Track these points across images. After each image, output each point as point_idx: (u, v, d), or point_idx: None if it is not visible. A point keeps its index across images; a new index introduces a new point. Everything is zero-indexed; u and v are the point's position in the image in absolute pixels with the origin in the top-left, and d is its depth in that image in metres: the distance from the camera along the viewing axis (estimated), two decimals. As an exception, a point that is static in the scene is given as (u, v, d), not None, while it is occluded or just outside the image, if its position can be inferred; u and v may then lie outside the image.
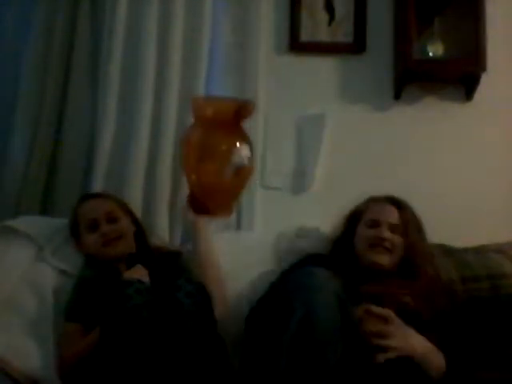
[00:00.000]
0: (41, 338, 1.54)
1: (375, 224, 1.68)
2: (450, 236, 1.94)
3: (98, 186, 1.98)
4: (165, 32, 2.05)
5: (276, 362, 1.26)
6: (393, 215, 1.69)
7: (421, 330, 1.46)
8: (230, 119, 1.75)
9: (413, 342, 1.40)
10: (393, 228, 1.67)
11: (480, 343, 1.62)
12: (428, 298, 1.57)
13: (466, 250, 1.92)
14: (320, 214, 2.06)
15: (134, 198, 1.96)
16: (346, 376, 1.31)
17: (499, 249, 1.91)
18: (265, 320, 1.38)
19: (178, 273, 1.65)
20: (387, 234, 1.65)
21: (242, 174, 1.77)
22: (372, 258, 1.65)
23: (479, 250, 1.91)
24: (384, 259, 1.64)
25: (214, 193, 1.78)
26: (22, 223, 1.77)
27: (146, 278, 1.53)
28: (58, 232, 1.77)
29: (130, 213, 1.79)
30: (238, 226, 2.08)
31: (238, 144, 1.75)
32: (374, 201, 1.77)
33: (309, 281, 1.32)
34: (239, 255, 1.87)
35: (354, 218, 1.77)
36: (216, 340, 1.47)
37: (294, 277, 1.35)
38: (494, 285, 1.77)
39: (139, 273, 1.54)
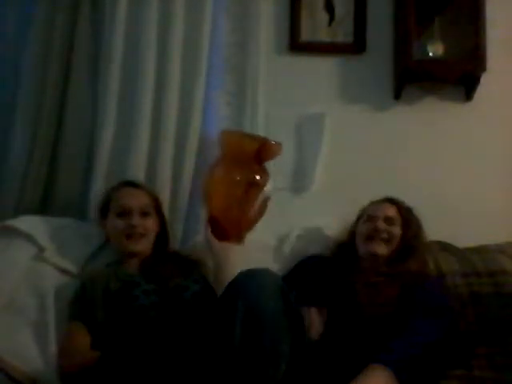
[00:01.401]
0: (41, 337, 1.54)
1: (372, 219, 1.75)
2: (450, 236, 1.95)
3: (97, 186, 1.98)
4: (165, 32, 2.05)
5: (229, 359, 1.25)
6: (389, 209, 1.76)
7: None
8: (253, 156, 1.84)
9: None
10: (389, 220, 1.73)
11: (480, 340, 1.63)
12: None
13: (466, 250, 1.92)
14: (320, 214, 2.06)
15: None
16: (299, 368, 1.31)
17: (499, 249, 1.91)
18: (212, 324, 1.37)
19: (188, 275, 1.64)
20: (382, 225, 1.71)
21: (265, 205, 1.84)
22: (368, 248, 1.71)
23: (479, 250, 1.91)
24: (380, 249, 1.70)
25: (239, 221, 1.82)
26: (22, 223, 1.77)
27: None
28: (58, 232, 1.78)
29: (160, 214, 1.79)
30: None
31: (268, 177, 1.85)
32: (372, 203, 1.82)
33: (249, 279, 1.32)
34: (239, 256, 1.86)
35: (356, 221, 1.83)
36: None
37: (235, 279, 1.35)
38: (494, 281, 1.78)
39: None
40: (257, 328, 1.25)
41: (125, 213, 1.68)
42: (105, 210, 1.74)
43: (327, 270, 1.71)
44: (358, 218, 1.83)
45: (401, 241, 1.71)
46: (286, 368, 1.27)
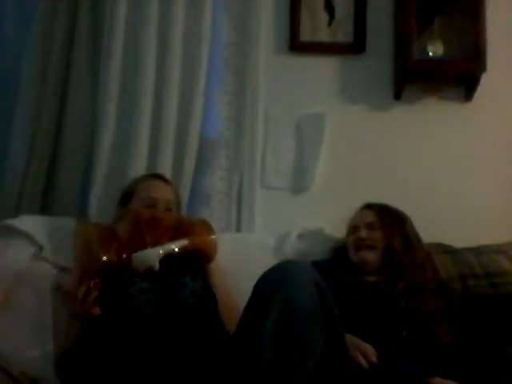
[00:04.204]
0: (41, 337, 1.54)
1: (354, 229, 1.79)
2: (450, 236, 1.95)
3: (97, 185, 1.98)
4: (165, 32, 2.06)
5: (259, 352, 1.25)
6: (367, 215, 1.79)
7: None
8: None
9: None
10: (369, 226, 1.76)
11: (477, 340, 1.63)
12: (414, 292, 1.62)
13: (465, 250, 1.92)
14: (320, 214, 2.06)
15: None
16: (329, 368, 1.31)
17: (499, 249, 1.91)
18: (246, 314, 1.37)
19: (187, 272, 1.63)
20: (364, 233, 1.75)
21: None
22: (358, 257, 1.74)
23: (479, 250, 1.91)
24: (368, 256, 1.72)
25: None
26: (22, 222, 1.77)
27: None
28: (57, 231, 1.78)
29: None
30: (238, 227, 2.08)
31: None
32: (355, 211, 1.85)
33: (287, 272, 1.31)
34: (240, 256, 1.86)
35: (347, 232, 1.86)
36: (221, 338, 1.45)
37: (272, 271, 1.35)
38: (492, 283, 1.78)
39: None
40: (289, 324, 1.25)
41: (150, 205, 1.68)
42: (126, 198, 1.73)
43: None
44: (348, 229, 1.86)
45: (385, 242, 1.73)
46: (315, 367, 1.27)
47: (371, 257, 1.72)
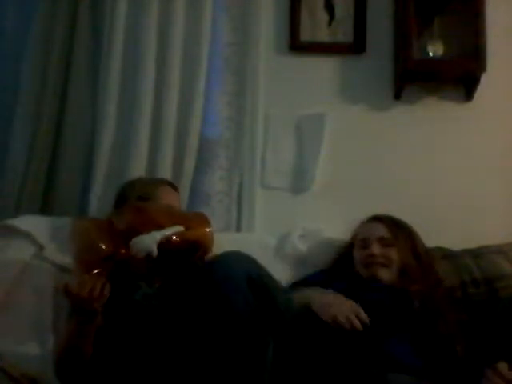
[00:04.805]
0: (41, 337, 1.54)
1: (366, 243, 1.71)
2: (450, 237, 1.95)
3: (97, 185, 1.99)
4: (165, 32, 2.06)
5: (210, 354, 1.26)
6: (378, 229, 1.72)
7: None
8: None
9: None
10: (382, 241, 1.69)
11: (480, 346, 1.62)
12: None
13: (465, 252, 1.91)
14: (320, 214, 2.06)
15: (134, 198, 1.95)
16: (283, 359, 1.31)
17: (499, 250, 1.90)
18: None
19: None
20: (378, 249, 1.68)
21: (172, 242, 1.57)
22: (368, 273, 1.67)
23: (479, 251, 1.90)
24: (381, 273, 1.66)
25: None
26: (22, 222, 1.78)
27: None
28: (58, 231, 1.78)
29: None
30: (239, 227, 2.08)
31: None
32: (362, 223, 1.79)
33: (216, 272, 1.32)
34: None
35: (351, 244, 1.79)
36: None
37: (204, 269, 1.35)
38: (492, 288, 1.77)
39: None
40: (229, 323, 1.25)
41: None
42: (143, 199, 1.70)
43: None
44: (352, 241, 1.79)
45: (401, 261, 1.67)
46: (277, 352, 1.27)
47: (384, 274, 1.65)
